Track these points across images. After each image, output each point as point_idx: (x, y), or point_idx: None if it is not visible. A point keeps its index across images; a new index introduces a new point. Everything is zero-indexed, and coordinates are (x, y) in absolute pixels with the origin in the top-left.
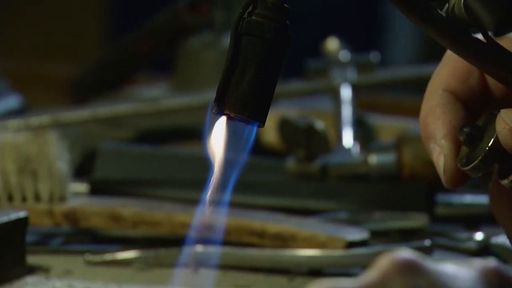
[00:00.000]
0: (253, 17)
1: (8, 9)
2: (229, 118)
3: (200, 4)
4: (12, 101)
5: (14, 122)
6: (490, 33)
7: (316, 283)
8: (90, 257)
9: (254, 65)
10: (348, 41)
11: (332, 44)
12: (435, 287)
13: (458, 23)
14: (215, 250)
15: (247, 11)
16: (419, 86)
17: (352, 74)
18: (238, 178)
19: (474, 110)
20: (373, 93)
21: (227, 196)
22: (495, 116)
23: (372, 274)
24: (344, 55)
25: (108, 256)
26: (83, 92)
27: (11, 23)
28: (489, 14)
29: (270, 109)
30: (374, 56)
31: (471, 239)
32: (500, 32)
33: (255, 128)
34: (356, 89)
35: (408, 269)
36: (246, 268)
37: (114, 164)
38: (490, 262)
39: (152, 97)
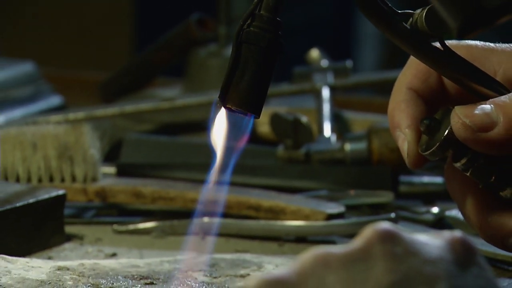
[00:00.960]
0: (251, 28)
1: (52, 25)
2: (230, 111)
3: (206, 20)
4: (54, 101)
5: (55, 117)
6: (446, 42)
7: (309, 250)
8: (117, 227)
9: (251, 68)
10: (327, 52)
11: (314, 54)
12: (410, 253)
13: (420, 34)
14: (219, 221)
15: (247, 23)
16: (384, 87)
17: (330, 78)
18: (237, 162)
19: (432, 105)
20: (347, 94)
21: (228, 177)
22: (450, 111)
23: (357, 242)
24: (324, 62)
25: (131, 226)
26: (111, 93)
27: (53, 37)
28: (453, 19)
29: (264, 105)
30: (348, 64)
31: (428, 212)
32: (463, 35)
33: (252, 120)
34: (333, 90)
35: (388, 238)
36: (244, 236)
37: (136, 151)
38: (457, 233)
39: (168, 97)
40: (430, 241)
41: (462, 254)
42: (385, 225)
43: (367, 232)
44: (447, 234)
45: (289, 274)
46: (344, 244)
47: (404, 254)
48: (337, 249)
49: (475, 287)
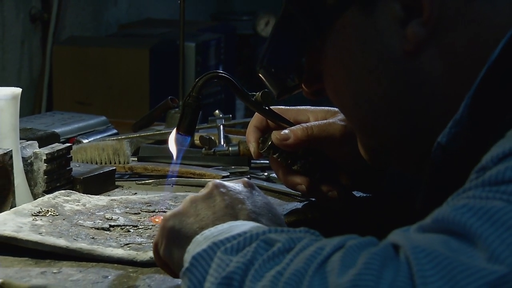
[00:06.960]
0: (188, 100)
1: (117, 101)
2: (180, 135)
3: (174, 99)
4: (113, 131)
5: (111, 138)
6: (271, 107)
7: (187, 196)
8: (137, 182)
9: (189, 117)
10: (222, 111)
11: (217, 112)
12: (230, 191)
13: (258, 103)
14: (177, 179)
15: (187, 98)
16: (245, 125)
17: (222, 121)
18: (184, 155)
19: (264, 132)
20: (229, 128)
21: (179, 160)
22: (271, 133)
23: (206, 188)
24: (221, 115)
25: (143, 182)
26: (137, 128)
27: (114, 106)
28: (274, 90)
29: (196, 132)
30: (230, 116)
31: (263, 174)
32: (278, 98)
33: (189, 138)
34: (224, 126)
35: (219, 186)
36: (188, 185)
37: (147, 151)
38: (245, 179)
39: (159, 129)
40: (236, 184)
41: (248, 187)
42: (217, 181)
43: (210, 184)
44: (243, 179)
45: (180, 208)
46: (202, 190)
47: (227, 191)
48: (199, 193)
49: (258, 200)
